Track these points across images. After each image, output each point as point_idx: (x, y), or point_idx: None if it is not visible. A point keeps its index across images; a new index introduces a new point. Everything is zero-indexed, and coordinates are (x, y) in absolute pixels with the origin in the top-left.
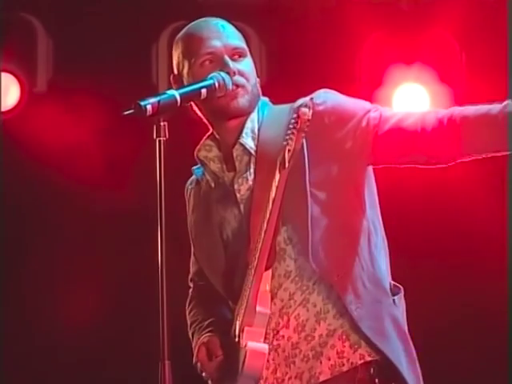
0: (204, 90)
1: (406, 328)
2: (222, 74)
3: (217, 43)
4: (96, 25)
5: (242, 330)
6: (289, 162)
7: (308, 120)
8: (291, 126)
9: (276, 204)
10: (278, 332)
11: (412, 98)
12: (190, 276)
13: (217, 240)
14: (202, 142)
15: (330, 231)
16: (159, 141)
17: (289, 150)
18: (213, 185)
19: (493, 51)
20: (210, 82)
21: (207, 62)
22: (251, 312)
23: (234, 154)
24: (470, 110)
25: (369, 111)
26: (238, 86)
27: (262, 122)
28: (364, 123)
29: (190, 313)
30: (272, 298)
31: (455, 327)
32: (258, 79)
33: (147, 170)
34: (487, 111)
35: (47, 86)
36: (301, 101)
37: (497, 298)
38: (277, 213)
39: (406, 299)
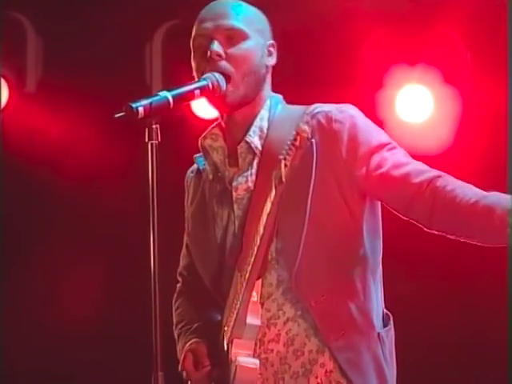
0: (197, 91)
1: (389, 362)
2: (217, 74)
3: (208, 25)
4: (87, 23)
5: (230, 342)
6: (286, 179)
7: (307, 138)
8: (289, 142)
9: (270, 219)
10: (265, 344)
11: (415, 100)
12: (178, 270)
13: (211, 235)
14: (208, 129)
15: (319, 254)
16: (151, 144)
17: (285, 166)
18: (211, 177)
19: (499, 52)
20: (204, 83)
21: (197, 45)
22: (241, 324)
23: (239, 151)
24: (458, 195)
25: (384, 147)
26: (227, 77)
27: (273, 120)
28: (375, 159)
29: (176, 310)
30: None
31: (452, 345)
32: (263, 66)
33: (140, 170)
34: (472, 203)
35: (37, 86)
36: (318, 107)
37: (496, 317)
38: (271, 228)
39: (404, 316)
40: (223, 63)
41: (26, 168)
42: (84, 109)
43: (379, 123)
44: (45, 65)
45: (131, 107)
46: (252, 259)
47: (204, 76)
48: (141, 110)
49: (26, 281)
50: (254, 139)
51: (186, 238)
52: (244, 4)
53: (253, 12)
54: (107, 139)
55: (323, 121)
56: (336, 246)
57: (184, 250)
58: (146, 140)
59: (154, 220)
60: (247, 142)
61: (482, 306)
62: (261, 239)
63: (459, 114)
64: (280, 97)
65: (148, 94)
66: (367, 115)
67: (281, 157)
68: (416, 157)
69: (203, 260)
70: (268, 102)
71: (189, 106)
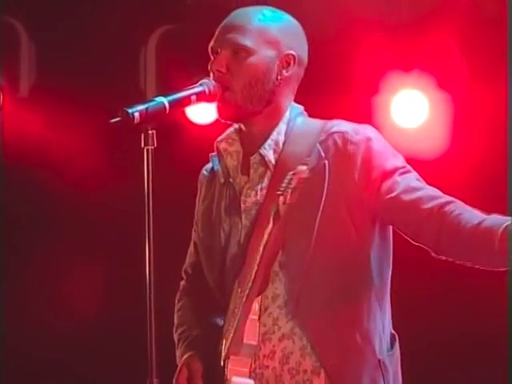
0: (194, 97)
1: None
2: (211, 81)
3: (219, 37)
4: (81, 28)
5: (227, 358)
6: (283, 215)
7: (304, 179)
8: (287, 181)
9: (267, 250)
10: (260, 359)
11: (411, 105)
12: (184, 266)
13: (216, 239)
14: (226, 132)
15: (324, 274)
16: (147, 149)
17: (283, 203)
18: (222, 180)
19: (495, 57)
20: (200, 88)
21: (211, 53)
22: (238, 342)
23: (251, 162)
24: (462, 219)
25: (397, 171)
26: (222, 88)
27: (290, 135)
28: (387, 183)
29: (178, 311)
30: None
31: (452, 346)
32: (269, 79)
33: (136, 174)
34: (473, 226)
35: (30, 91)
36: (336, 125)
37: (496, 316)
38: (267, 258)
39: (404, 318)
40: (222, 77)
41: (21, 171)
42: (78, 114)
43: (375, 128)
44: (38, 70)
45: (127, 112)
46: (251, 278)
47: (201, 82)
48: (137, 115)
49: (26, 282)
50: (269, 153)
51: (194, 235)
52: (263, 13)
53: (270, 21)
54: (102, 144)
55: (339, 142)
56: (341, 267)
57: (191, 247)
58: (142, 145)
59: (150, 225)
60: (261, 155)
61: (483, 307)
62: (258, 264)
63: (454, 118)
64: (300, 109)
65: (142, 99)
66: (363, 120)
67: (278, 192)
68: (412, 162)
69: (207, 263)
70: (287, 115)
71: (184, 112)
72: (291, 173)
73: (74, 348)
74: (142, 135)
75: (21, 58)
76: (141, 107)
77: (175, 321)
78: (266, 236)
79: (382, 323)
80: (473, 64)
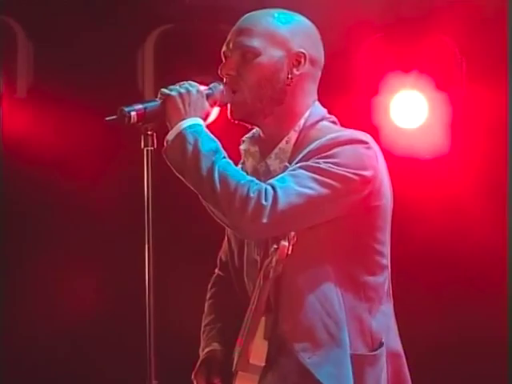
0: None
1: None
2: (222, 84)
3: (229, 40)
4: (79, 29)
5: (235, 372)
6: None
7: (287, 254)
8: (273, 250)
9: (263, 291)
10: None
11: (410, 106)
12: (219, 253)
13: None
14: (249, 133)
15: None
16: (147, 150)
17: (268, 265)
18: None
19: (494, 57)
20: (209, 92)
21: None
22: (245, 361)
23: (260, 170)
24: None
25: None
26: (232, 91)
27: (301, 143)
28: None
29: (208, 300)
30: None
31: (453, 349)
32: (278, 79)
33: (135, 176)
34: None
35: (27, 91)
36: (336, 135)
37: (495, 321)
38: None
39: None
40: (232, 79)
41: (20, 171)
42: (75, 114)
43: (375, 129)
44: (36, 70)
45: (124, 111)
46: (256, 297)
47: (210, 85)
48: (133, 114)
49: (25, 281)
50: (274, 162)
51: None
52: (272, 14)
53: (279, 22)
54: (101, 144)
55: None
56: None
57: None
58: (142, 147)
59: (149, 225)
60: (267, 164)
61: (483, 310)
62: (260, 291)
63: (454, 119)
64: (323, 113)
65: (140, 99)
66: (363, 121)
67: (272, 249)
68: (411, 162)
69: (231, 262)
70: (301, 123)
71: None
72: (275, 246)
73: (72, 348)
74: (142, 136)
75: (18, 58)
76: (138, 106)
77: (205, 309)
78: (257, 293)
79: (366, 320)
80: (472, 65)
